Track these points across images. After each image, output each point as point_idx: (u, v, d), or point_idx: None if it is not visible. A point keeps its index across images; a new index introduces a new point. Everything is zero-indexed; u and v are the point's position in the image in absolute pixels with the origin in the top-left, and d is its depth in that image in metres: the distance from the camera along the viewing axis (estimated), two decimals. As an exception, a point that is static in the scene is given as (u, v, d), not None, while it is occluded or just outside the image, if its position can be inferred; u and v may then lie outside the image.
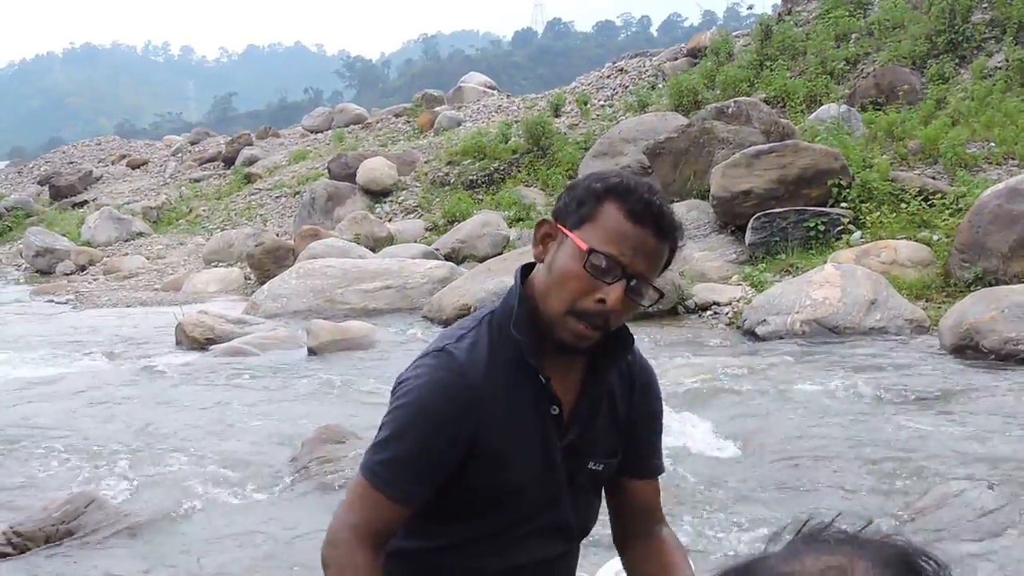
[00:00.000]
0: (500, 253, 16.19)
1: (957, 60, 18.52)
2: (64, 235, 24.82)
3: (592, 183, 2.03)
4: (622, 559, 2.38)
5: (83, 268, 22.43)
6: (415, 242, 18.65)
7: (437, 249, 17.40)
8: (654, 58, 27.29)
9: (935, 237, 12.37)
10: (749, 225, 13.70)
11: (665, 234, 2.00)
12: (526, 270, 2.14)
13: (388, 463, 2.03)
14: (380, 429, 2.09)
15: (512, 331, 2.06)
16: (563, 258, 2.01)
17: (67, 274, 22.17)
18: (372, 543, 2.03)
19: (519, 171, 21.38)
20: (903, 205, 13.32)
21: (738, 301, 12.00)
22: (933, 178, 14.40)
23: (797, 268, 12.59)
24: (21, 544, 5.34)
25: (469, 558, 2.13)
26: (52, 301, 18.02)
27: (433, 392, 2.02)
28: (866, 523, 1.02)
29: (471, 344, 2.08)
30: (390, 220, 21.07)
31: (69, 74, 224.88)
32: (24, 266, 24.07)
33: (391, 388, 2.12)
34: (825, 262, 11.81)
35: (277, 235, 21.16)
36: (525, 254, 13.86)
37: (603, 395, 2.20)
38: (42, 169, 37.11)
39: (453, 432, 2.02)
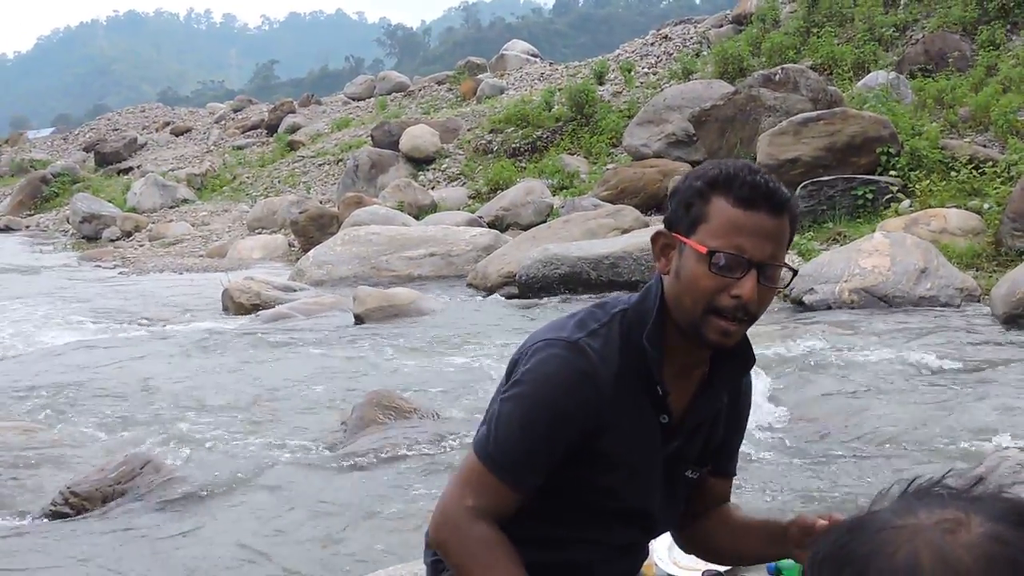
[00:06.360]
0: (544, 221, 16.14)
1: (1008, 26, 18.24)
2: (110, 201, 25.04)
3: (693, 182, 2.00)
4: (689, 536, 2.41)
5: (129, 234, 22.65)
6: (458, 210, 18.65)
7: (481, 217, 17.38)
8: (699, 25, 27.07)
9: (986, 206, 12.23)
10: (796, 193, 13.58)
11: (780, 210, 1.95)
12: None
13: (509, 452, 2.02)
14: (500, 411, 2.07)
15: (644, 342, 2.03)
16: (688, 265, 1.97)
17: (113, 240, 22.40)
18: (489, 521, 2.02)
19: (562, 139, 21.32)
20: (953, 173, 13.17)
21: (785, 270, 11.90)
22: (984, 146, 14.23)
23: (845, 237, 12.49)
24: (78, 504, 5.40)
25: (552, 551, 2.13)
26: (99, 266, 18.24)
27: (564, 389, 2.00)
28: (976, 480, 1.00)
29: (603, 343, 2.05)
30: (433, 188, 21.09)
31: (113, 41, 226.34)
32: (71, 231, 24.32)
33: (515, 358, 2.12)
34: (873, 231, 11.69)
35: (321, 202, 21.25)
36: (570, 222, 13.84)
37: (715, 412, 2.20)
38: (87, 136, 37.45)
39: (576, 432, 2.02)
